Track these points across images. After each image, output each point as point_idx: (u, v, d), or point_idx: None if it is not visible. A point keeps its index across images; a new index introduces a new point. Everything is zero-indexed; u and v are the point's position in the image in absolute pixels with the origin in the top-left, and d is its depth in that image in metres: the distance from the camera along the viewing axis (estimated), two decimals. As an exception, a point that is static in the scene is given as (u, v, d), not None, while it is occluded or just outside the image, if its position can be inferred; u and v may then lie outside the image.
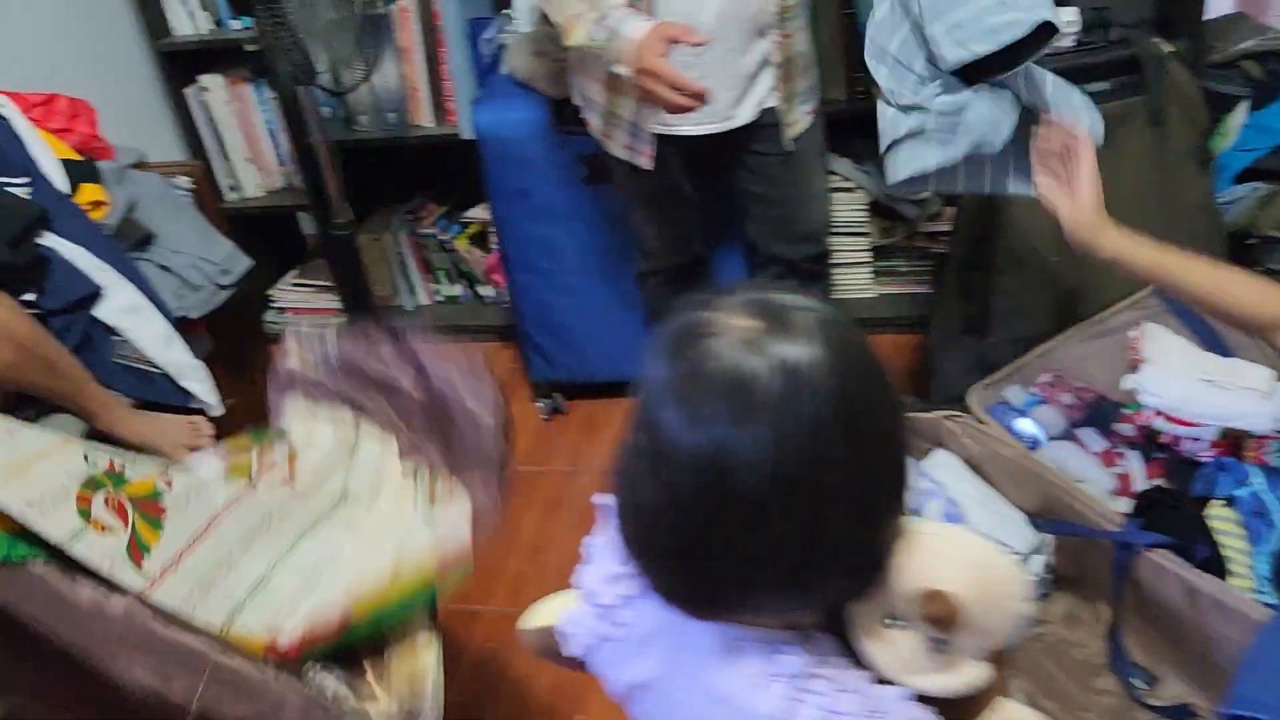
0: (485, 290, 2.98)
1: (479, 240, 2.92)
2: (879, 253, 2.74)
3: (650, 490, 0.77)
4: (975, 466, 1.90)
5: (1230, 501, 1.70)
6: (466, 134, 2.56)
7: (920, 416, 1.95)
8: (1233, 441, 1.74)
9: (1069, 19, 1.89)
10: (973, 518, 1.81)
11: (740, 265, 2.34)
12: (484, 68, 2.50)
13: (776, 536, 0.74)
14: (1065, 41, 1.95)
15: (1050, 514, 1.78)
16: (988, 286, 2.07)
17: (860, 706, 0.80)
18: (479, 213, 2.88)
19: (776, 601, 0.80)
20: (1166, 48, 1.98)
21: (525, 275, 2.50)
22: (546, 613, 1.07)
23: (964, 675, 0.86)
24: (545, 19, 2.04)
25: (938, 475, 1.91)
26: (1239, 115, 2.77)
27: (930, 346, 2.31)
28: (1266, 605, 1.58)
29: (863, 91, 2.45)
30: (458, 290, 3.02)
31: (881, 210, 2.69)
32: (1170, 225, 2.02)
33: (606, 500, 0.88)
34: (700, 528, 0.76)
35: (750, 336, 0.73)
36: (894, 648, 0.85)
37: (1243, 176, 2.57)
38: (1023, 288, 2.03)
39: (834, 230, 2.69)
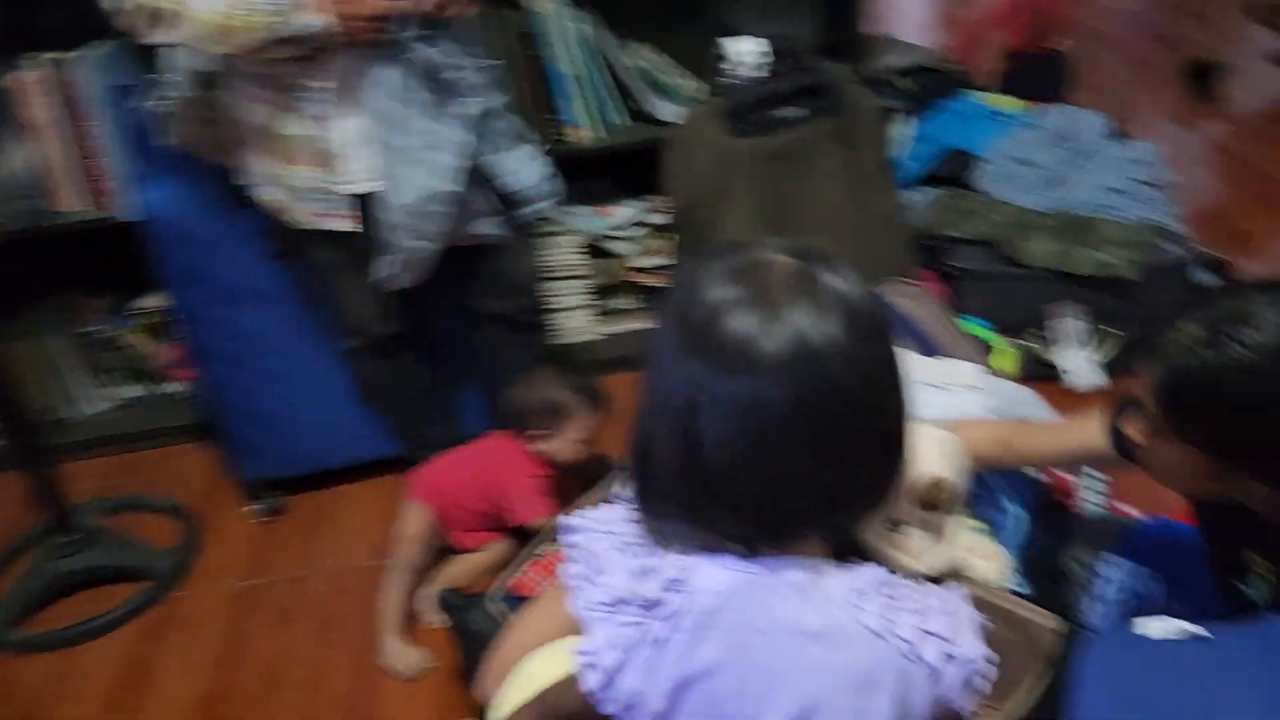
0: (172, 387, 2.64)
1: (157, 332, 2.59)
2: (600, 293, 2.69)
3: (721, 424, 0.80)
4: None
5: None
6: (125, 216, 2.25)
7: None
8: (960, 439, 1.81)
9: (761, 49, 1.91)
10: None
11: (453, 327, 2.20)
12: (139, 140, 2.21)
13: (859, 433, 0.82)
14: (754, 72, 1.98)
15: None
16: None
17: (940, 605, 0.86)
18: (153, 301, 2.55)
19: (844, 514, 0.87)
20: (839, 70, 2.07)
21: (219, 365, 2.23)
22: (539, 673, 0.92)
23: (954, 545, 1.10)
24: (207, 81, 1.81)
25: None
26: (904, 127, 2.98)
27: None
28: (1020, 595, 1.65)
29: (558, 136, 2.39)
30: (139, 391, 2.66)
31: (595, 250, 2.65)
32: (868, 237, 2.11)
33: (578, 520, 0.92)
34: (791, 435, 0.80)
35: (798, 265, 0.84)
36: (906, 543, 1.02)
37: (921, 183, 2.76)
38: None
39: (551, 275, 2.62)
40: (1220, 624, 0.85)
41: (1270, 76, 3.92)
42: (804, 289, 0.81)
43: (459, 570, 2.00)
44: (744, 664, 0.82)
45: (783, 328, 0.79)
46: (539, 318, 2.22)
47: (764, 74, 1.98)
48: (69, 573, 2.12)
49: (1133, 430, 1.13)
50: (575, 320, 2.70)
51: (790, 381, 0.79)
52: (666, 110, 2.44)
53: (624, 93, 2.45)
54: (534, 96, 2.36)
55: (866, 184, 2.05)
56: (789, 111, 1.96)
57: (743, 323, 0.80)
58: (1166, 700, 0.76)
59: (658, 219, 2.61)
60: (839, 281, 0.83)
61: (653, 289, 2.67)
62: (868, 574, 0.85)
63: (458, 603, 1.68)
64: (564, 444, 1.91)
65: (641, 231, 2.65)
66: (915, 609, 0.84)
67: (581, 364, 2.01)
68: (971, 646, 0.86)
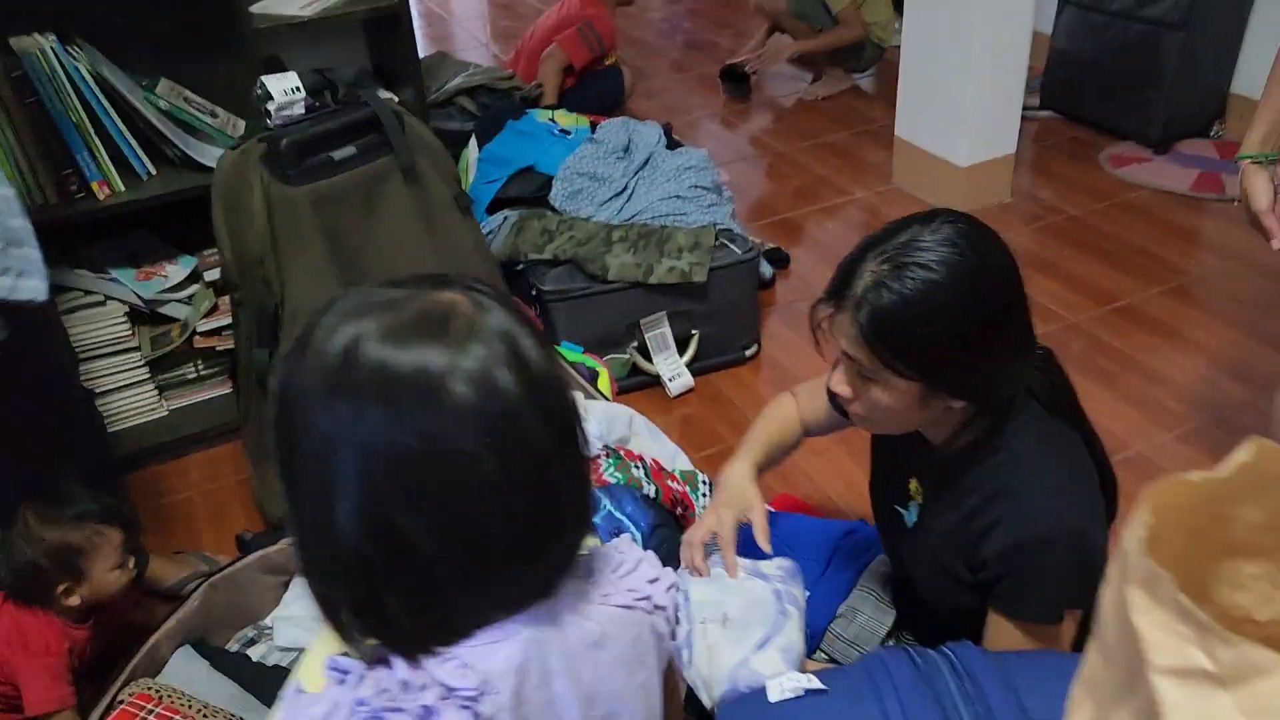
0: None
1: None
2: (158, 365, 2.36)
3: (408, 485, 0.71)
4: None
5: (587, 530, 1.74)
6: None
7: (266, 552, 1.69)
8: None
9: (291, 85, 1.74)
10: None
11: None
12: None
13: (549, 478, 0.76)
14: (296, 110, 1.81)
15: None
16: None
17: (632, 552, 0.91)
18: None
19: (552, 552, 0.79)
20: (391, 98, 1.95)
21: None
22: None
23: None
24: None
25: (299, 608, 1.68)
26: (471, 150, 2.93)
27: (250, 462, 2.03)
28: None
29: (79, 190, 2.06)
30: None
31: (146, 317, 2.32)
32: (453, 271, 2.01)
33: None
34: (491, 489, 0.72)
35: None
36: None
37: (491, 208, 2.72)
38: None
39: (94, 354, 2.26)
40: (831, 669, 0.86)
41: (792, 76, 4.35)
42: (480, 325, 0.72)
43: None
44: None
45: (469, 362, 0.70)
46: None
47: (310, 111, 1.81)
48: None
49: (842, 387, 1.15)
50: (135, 400, 2.36)
51: (482, 428, 0.70)
52: (207, 154, 2.19)
53: (150, 138, 2.16)
54: (42, 151, 2.00)
55: (440, 217, 1.95)
56: (343, 151, 1.80)
57: (423, 357, 0.70)
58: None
59: (217, 275, 2.34)
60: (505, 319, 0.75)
61: (222, 352, 2.40)
62: (583, 562, 0.83)
63: None
64: (101, 581, 1.57)
65: (199, 289, 2.37)
66: (628, 569, 0.85)
67: (72, 491, 1.60)
68: (665, 573, 0.89)
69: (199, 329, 2.34)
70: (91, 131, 1.99)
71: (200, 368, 2.43)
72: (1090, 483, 1.16)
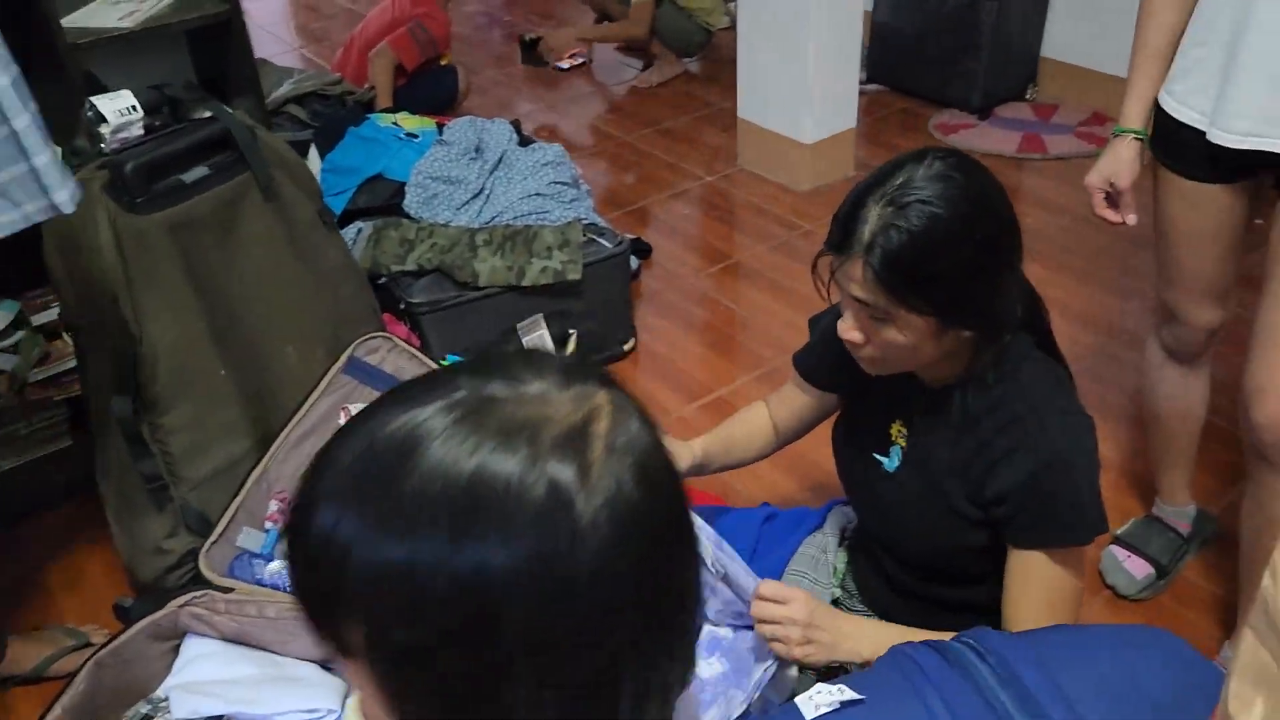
0: None
1: None
2: (-13, 423, 2.12)
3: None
4: (242, 641, 1.58)
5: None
6: None
7: (152, 619, 1.53)
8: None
9: (126, 104, 1.58)
10: (255, 700, 1.50)
11: None
12: None
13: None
14: (134, 132, 1.64)
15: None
16: (157, 429, 1.70)
17: None
18: None
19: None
20: (238, 113, 1.80)
21: None
22: None
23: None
24: None
25: (192, 673, 1.54)
26: (312, 161, 2.77)
27: (112, 519, 1.85)
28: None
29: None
30: None
31: (-37, 371, 2.08)
32: (322, 295, 1.89)
33: None
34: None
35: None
36: None
37: (341, 221, 2.58)
38: (201, 416, 1.71)
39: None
40: (858, 674, 0.84)
41: (622, 65, 4.34)
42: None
43: None
44: None
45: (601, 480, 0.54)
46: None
47: (150, 132, 1.65)
48: None
49: (853, 334, 1.14)
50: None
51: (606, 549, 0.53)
52: (24, 186, 1.97)
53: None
54: None
55: (304, 237, 1.82)
56: (194, 172, 1.65)
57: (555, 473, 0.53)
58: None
59: (46, 318, 2.12)
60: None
61: (60, 402, 2.17)
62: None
63: None
64: None
65: (25, 335, 2.14)
66: None
67: None
68: None
69: (31, 379, 2.11)
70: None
71: (33, 423, 2.19)
72: (1083, 408, 1.20)
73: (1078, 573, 1.19)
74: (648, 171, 3.47)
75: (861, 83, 3.73)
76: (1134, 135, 1.48)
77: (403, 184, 2.56)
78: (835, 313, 1.22)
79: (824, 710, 0.75)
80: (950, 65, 3.57)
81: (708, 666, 1.26)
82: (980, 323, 1.13)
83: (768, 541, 1.65)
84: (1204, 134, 1.37)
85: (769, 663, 1.24)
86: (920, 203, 1.06)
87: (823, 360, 1.43)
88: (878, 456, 1.35)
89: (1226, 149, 1.35)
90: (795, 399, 1.50)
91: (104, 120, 1.59)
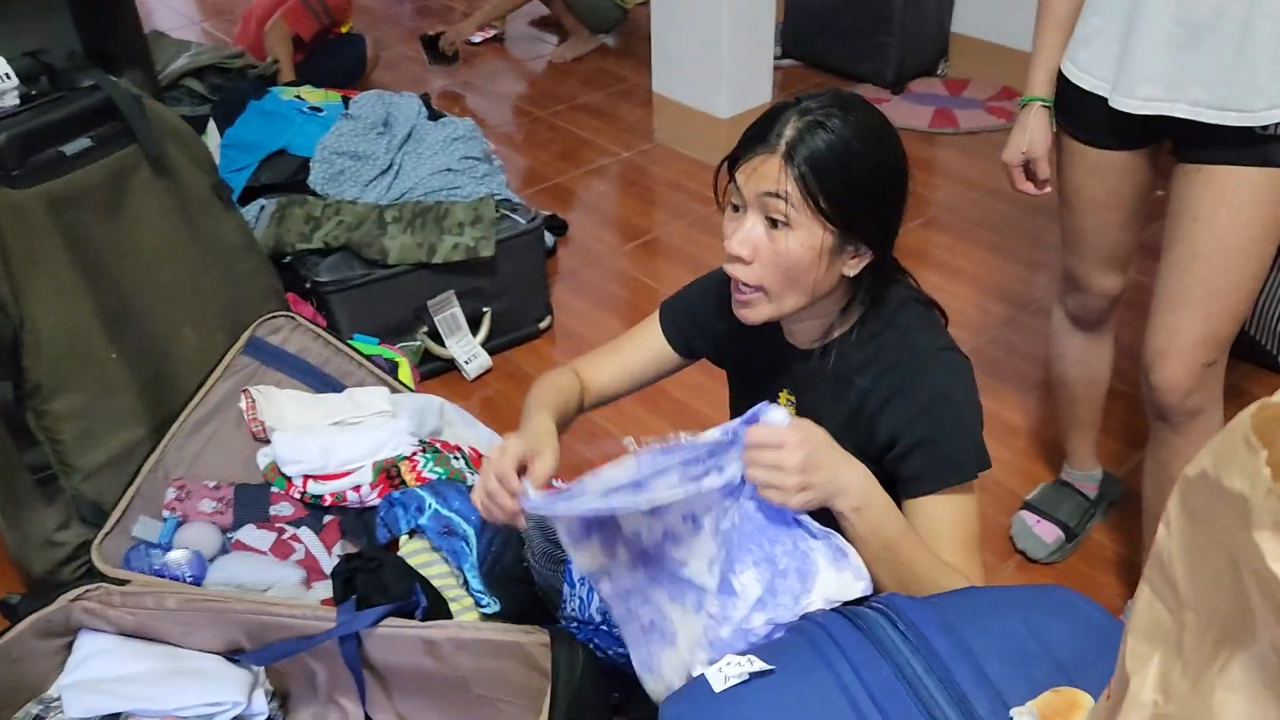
0: None
1: None
2: None
3: None
4: (140, 635, 1.51)
5: (413, 533, 1.62)
6: None
7: (41, 615, 1.45)
8: (389, 472, 1.65)
9: (5, 70, 1.49)
10: (154, 696, 1.43)
11: None
12: None
13: None
14: (7, 100, 1.55)
15: (253, 641, 1.50)
16: (43, 415, 1.61)
17: None
18: None
19: None
20: (124, 83, 1.71)
21: None
22: None
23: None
24: None
25: (86, 670, 1.47)
26: (211, 136, 2.66)
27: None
28: (490, 615, 1.56)
29: None
30: None
31: None
32: (218, 274, 1.82)
33: None
34: None
35: None
36: None
37: (243, 198, 2.48)
38: (91, 402, 1.63)
39: None
40: (766, 644, 0.82)
41: (536, 39, 4.27)
42: None
43: None
44: None
45: None
46: None
47: (26, 101, 1.56)
48: None
49: (744, 247, 1.12)
50: None
51: None
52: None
53: None
54: None
55: (199, 213, 1.74)
56: (75, 144, 1.56)
57: None
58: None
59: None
60: None
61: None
62: None
63: None
64: None
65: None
66: None
67: None
68: None
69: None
70: None
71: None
72: (958, 345, 1.21)
73: (975, 506, 1.19)
74: (563, 148, 3.42)
75: (776, 58, 3.73)
76: (1041, 103, 1.49)
77: (307, 160, 2.48)
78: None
79: (733, 682, 0.74)
80: (864, 41, 3.58)
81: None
82: (877, 244, 1.15)
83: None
84: (1106, 101, 1.38)
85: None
86: (841, 111, 1.09)
87: (695, 322, 1.39)
88: None
89: (1129, 115, 1.36)
90: (645, 352, 1.43)
91: (-19, 88, 1.50)
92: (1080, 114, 1.46)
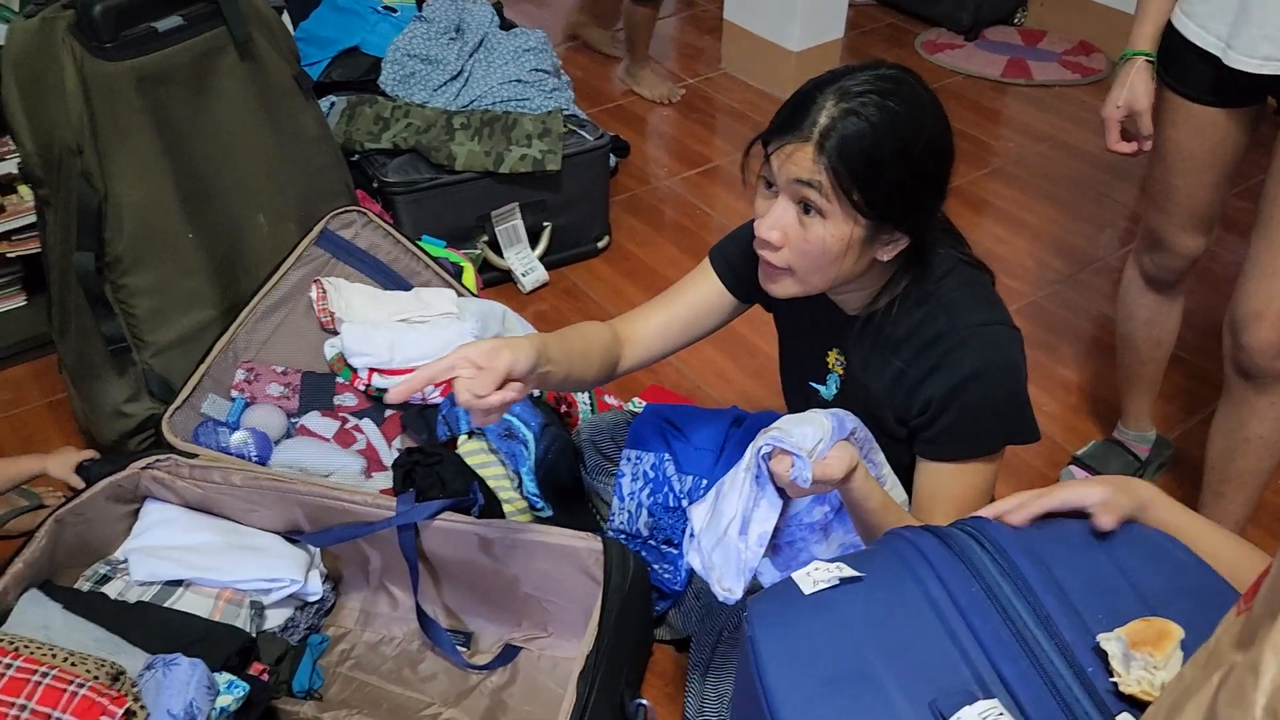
0: None
1: None
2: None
3: None
4: (204, 508, 1.55)
5: (473, 433, 1.65)
6: None
7: (113, 479, 1.50)
8: (453, 374, 1.68)
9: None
10: (219, 567, 1.48)
11: None
12: None
13: None
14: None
15: (313, 524, 1.54)
16: (120, 289, 1.64)
17: None
18: None
19: None
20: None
21: None
22: None
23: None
24: None
25: (151, 537, 1.52)
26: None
27: (69, 381, 1.80)
28: (544, 519, 1.59)
29: None
30: None
31: (-89, 221, 1.99)
32: (293, 163, 1.83)
33: None
34: None
35: None
36: None
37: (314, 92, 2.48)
38: (166, 279, 1.66)
39: None
40: (854, 554, 0.84)
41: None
42: None
43: None
44: None
45: None
46: None
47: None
48: None
49: (774, 232, 1.12)
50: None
51: None
52: (-20, 26, 1.86)
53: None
54: None
55: (280, 101, 1.74)
56: (168, 21, 1.57)
57: None
58: (842, 658, 0.71)
59: (1, 170, 2.02)
60: None
61: (13, 259, 2.10)
62: None
63: None
64: None
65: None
66: None
67: None
68: None
69: (-13, 234, 2.03)
70: None
71: (-6, 276, 2.12)
72: (1010, 318, 1.20)
73: (988, 479, 1.21)
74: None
75: (851, -7, 3.66)
76: (1145, 58, 1.46)
77: (379, 59, 2.47)
78: None
79: (822, 585, 0.76)
80: (942, -18, 3.50)
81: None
82: (913, 229, 1.13)
83: (735, 445, 1.65)
84: (1218, 59, 1.35)
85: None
86: (878, 96, 1.06)
87: (750, 265, 1.32)
88: (814, 385, 1.36)
89: (1240, 73, 1.34)
90: (697, 299, 1.39)
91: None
92: (1188, 69, 1.43)
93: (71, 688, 1.19)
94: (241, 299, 1.73)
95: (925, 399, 1.17)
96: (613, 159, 2.79)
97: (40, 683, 1.19)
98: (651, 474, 1.58)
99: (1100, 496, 0.83)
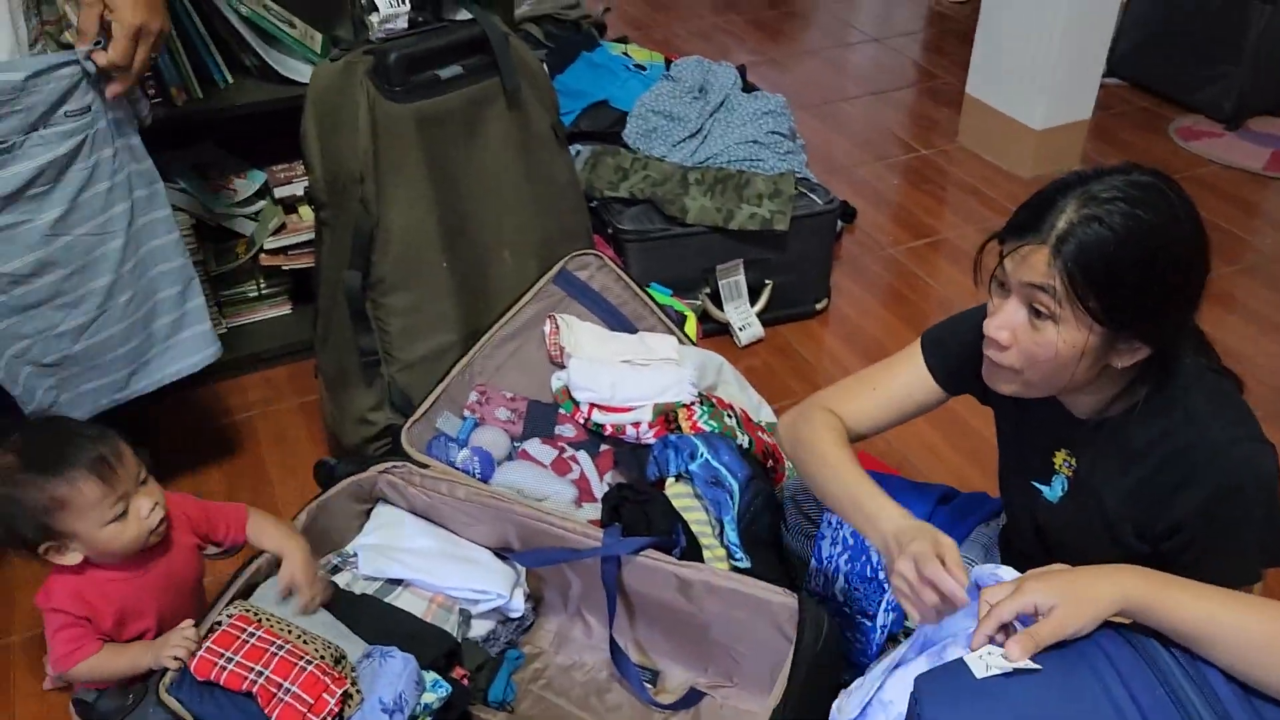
0: None
1: None
2: (219, 281, 2.30)
3: None
4: (427, 516, 1.67)
5: (680, 477, 1.70)
6: None
7: (356, 479, 1.64)
8: (667, 416, 1.74)
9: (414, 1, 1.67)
10: (437, 572, 1.59)
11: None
12: None
13: None
14: (399, 24, 1.73)
15: (524, 544, 1.63)
16: (380, 307, 1.80)
17: None
18: None
19: None
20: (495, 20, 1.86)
21: None
22: None
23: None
24: None
25: (380, 536, 1.64)
26: (540, 80, 2.84)
27: (323, 385, 1.98)
28: (741, 570, 1.61)
29: (156, 94, 1.98)
30: None
31: (208, 231, 2.26)
32: (544, 205, 1.95)
33: None
34: None
35: None
36: None
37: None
38: (419, 302, 1.81)
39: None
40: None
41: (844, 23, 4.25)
42: None
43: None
44: None
45: None
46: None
47: (411, 27, 1.73)
48: None
49: (1003, 333, 1.10)
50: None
51: None
52: (287, 66, 2.11)
53: (229, 45, 2.08)
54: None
55: (538, 147, 1.88)
56: (449, 70, 1.73)
57: None
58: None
59: (288, 192, 2.27)
60: None
61: (286, 272, 2.34)
62: None
63: (110, 708, 1.34)
64: (95, 539, 1.32)
65: (266, 205, 2.30)
66: None
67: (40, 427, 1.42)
68: None
69: (265, 246, 2.28)
70: (174, 34, 1.91)
71: (262, 286, 2.37)
72: (1262, 432, 1.13)
73: None
74: (864, 136, 3.40)
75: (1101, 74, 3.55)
76: None
77: (624, 113, 2.61)
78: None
79: (994, 671, 0.74)
80: (1204, 68, 3.34)
81: None
82: (1155, 341, 1.07)
83: (941, 521, 1.62)
84: None
85: None
86: (1125, 203, 1.01)
87: (964, 358, 1.30)
88: (1037, 485, 1.30)
89: None
90: (904, 384, 1.36)
91: (375, 10, 1.68)
92: None
93: (301, 663, 1.31)
94: (482, 326, 1.86)
95: (1174, 519, 1.12)
96: (839, 223, 2.81)
97: (276, 654, 1.31)
98: (851, 540, 1.58)
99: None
